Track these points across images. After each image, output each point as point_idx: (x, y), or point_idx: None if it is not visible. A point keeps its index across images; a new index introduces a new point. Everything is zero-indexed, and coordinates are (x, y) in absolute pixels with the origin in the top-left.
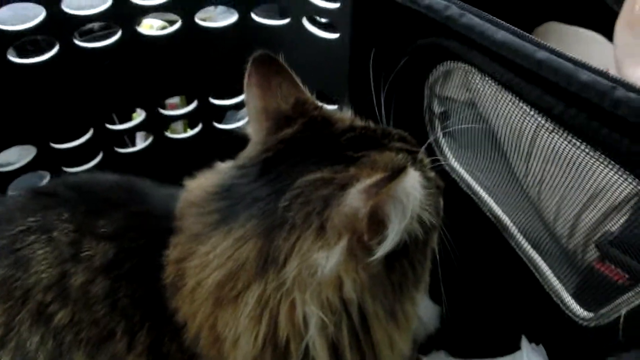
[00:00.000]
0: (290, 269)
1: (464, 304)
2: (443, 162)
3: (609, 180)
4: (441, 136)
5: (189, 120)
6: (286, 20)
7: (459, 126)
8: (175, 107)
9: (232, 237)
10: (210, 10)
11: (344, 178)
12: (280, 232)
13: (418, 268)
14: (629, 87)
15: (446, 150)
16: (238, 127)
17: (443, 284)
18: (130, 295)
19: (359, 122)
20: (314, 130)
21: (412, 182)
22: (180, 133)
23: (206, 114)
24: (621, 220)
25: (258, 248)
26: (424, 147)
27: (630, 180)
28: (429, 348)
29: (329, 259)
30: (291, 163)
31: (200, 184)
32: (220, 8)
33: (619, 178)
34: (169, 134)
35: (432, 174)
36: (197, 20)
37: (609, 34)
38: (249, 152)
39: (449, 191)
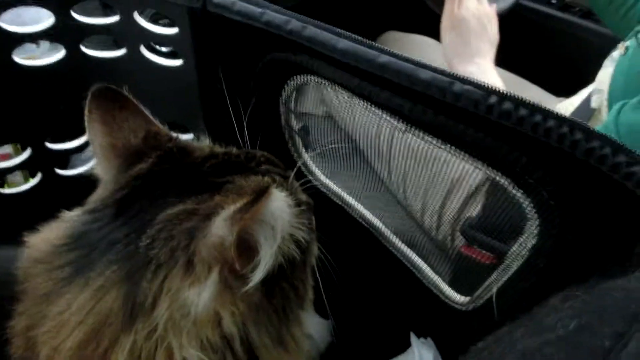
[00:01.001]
0: (160, 313)
1: (351, 313)
2: (313, 180)
3: (462, 170)
4: (307, 156)
5: (27, 169)
6: (122, 51)
7: (321, 142)
8: (9, 158)
9: (91, 289)
10: (32, 49)
11: (208, 207)
12: (145, 273)
13: (300, 287)
14: (465, 81)
15: (313, 167)
16: (86, 170)
17: (327, 298)
18: None
19: (220, 149)
20: (171, 162)
21: (277, 203)
22: (20, 185)
23: (44, 161)
24: (479, 206)
25: (122, 295)
26: (294, 172)
27: (481, 167)
28: None
29: (201, 295)
30: (150, 199)
31: (45, 238)
32: (44, 45)
33: (470, 167)
34: (4, 190)
35: (302, 194)
36: (16, 59)
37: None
38: (100, 194)
39: (322, 206)
